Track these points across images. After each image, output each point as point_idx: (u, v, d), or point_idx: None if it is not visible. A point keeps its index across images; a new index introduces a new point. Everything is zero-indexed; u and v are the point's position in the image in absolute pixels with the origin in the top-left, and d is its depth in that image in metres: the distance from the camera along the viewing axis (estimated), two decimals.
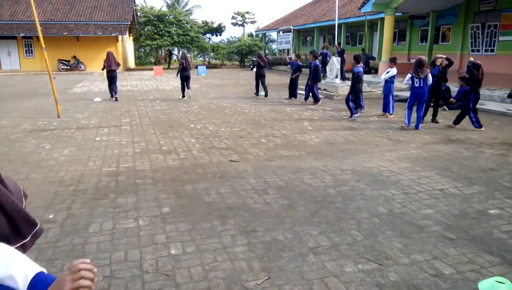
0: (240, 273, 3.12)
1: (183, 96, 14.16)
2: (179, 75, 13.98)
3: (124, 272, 3.15)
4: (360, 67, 9.89)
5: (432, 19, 20.78)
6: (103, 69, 13.89)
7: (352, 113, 9.85)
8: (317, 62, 12.50)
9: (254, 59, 33.63)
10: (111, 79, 13.53)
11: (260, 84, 14.24)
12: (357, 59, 10.01)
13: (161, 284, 2.99)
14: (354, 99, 10.07)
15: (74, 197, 4.73)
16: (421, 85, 8.51)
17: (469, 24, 19.81)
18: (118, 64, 13.75)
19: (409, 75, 8.74)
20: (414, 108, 8.92)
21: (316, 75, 12.37)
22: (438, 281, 3.02)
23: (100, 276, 3.08)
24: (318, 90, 13.22)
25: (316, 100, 12.55)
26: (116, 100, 13.40)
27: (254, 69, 15.81)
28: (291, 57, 14.42)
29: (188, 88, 13.99)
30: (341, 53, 15.61)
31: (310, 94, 12.65)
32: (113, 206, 4.45)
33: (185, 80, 13.89)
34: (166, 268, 3.20)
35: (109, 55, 13.51)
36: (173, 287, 2.95)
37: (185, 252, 3.45)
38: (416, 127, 8.65)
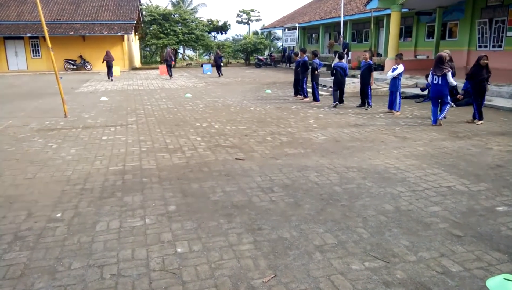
0: (246, 271, 3.13)
1: (170, 76, 22.74)
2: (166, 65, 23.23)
3: (131, 270, 3.16)
4: (340, 63, 11.66)
5: (439, 15, 20.60)
6: (103, 62, 22.34)
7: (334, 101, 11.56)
8: (316, 59, 12.59)
9: (260, 57, 33.68)
10: (108, 68, 21.87)
11: (219, 70, 23.93)
12: (340, 56, 11.92)
13: (168, 282, 3.00)
14: (336, 89, 11.53)
15: (81, 196, 4.76)
16: (439, 82, 8.44)
17: (476, 20, 19.62)
18: (112, 58, 22.15)
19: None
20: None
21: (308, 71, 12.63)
22: (445, 278, 3.00)
23: (107, 275, 3.10)
24: (324, 87, 13.33)
25: (305, 96, 13.02)
26: (112, 80, 21.30)
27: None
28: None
29: (170, 74, 22.79)
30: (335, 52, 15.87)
31: (316, 91, 12.60)
32: (120, 205, 4.48)
33: (168, 67, 22.85)
34: (172, 266, 3.21)
35: (107, 52, 22.04)
36: (180, 285, 2.96)
37: (192, 250, 3.46)
38: (434, 122, 8.74)
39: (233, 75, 24.35)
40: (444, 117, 8.78)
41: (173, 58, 23.65)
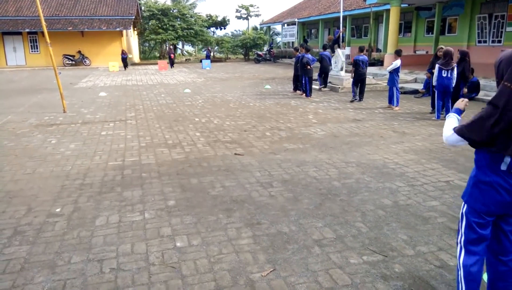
0: (245, 265, 3.14)
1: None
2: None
3: (131, 264, 3.18)
4: (325, 52, 13.91)
5: (439, 10, 20.56)
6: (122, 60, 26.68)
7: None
8: (308, 54, 12.65)
9: (260, 52, 33.62)
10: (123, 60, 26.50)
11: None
12: (324, 46, 14.54)
13: (167, 276, 3.01)
14: (320, 74, 14.05)
15: (80, 191, 4.77)
16: (448, 76, 8.48)
17: (475, 15, 19.58)
18: (126, 54, 26.87)
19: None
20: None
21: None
22: (443, 272, 3.02)
23: (106, 269, 3.11)
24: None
25: (304, 91, 12.91)
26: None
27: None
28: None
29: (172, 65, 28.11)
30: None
31: (308, 86, 12.64)
32: (119, 200, 4.49)
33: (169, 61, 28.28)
34: (172, 260, 3.23)
35: (122, 51, 26.91)
36: (179, 279, 2.98)
37: (191, 244, 3.47)
38: (437, 117, 8.79)
39: (232, 71, 24.30)
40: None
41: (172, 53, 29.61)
